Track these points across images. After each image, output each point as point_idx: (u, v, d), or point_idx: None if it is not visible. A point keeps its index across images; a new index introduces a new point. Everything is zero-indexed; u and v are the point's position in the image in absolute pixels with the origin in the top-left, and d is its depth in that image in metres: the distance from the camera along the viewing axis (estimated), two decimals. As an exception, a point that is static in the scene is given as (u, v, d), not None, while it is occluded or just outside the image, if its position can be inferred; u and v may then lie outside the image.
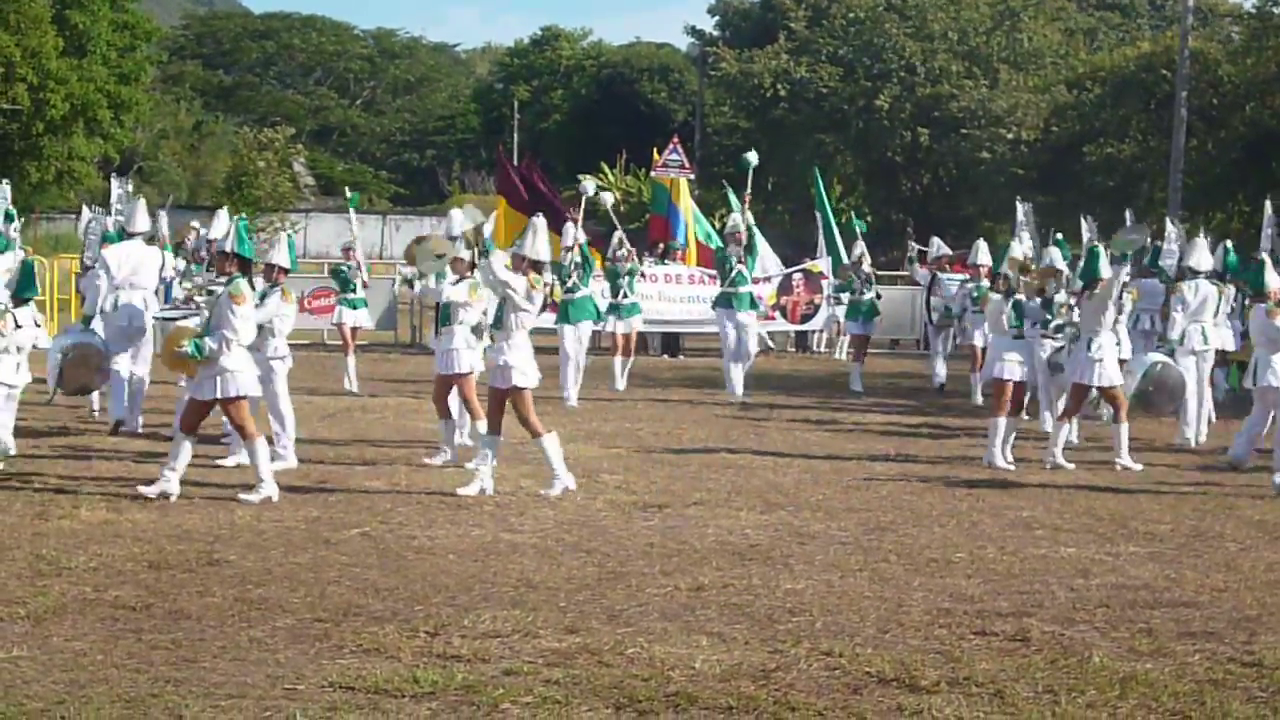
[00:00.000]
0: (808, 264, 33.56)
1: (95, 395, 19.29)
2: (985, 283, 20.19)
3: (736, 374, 23.80)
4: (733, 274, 23.77)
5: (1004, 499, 14.94)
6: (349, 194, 30.48)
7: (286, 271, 15.79)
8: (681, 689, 8.22)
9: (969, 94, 54.71)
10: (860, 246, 28.66)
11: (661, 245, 33.12)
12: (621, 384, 25.27)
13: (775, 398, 24.18)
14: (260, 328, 14.94)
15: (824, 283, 32.90)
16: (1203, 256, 19.99)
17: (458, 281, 15.83)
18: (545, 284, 15.49)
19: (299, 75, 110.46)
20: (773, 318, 32.71)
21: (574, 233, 24.30)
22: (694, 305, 31.80)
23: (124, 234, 19.42)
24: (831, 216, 35.43)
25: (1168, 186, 44.19)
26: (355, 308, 25.46)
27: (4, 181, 23.43)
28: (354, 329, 25.28)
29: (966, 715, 7.86)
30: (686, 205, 34.17)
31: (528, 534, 12.68)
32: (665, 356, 32.68)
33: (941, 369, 26.44)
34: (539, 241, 15.04)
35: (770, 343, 34.99)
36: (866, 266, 27.86)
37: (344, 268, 26.00)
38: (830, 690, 8.31)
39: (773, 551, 12.15)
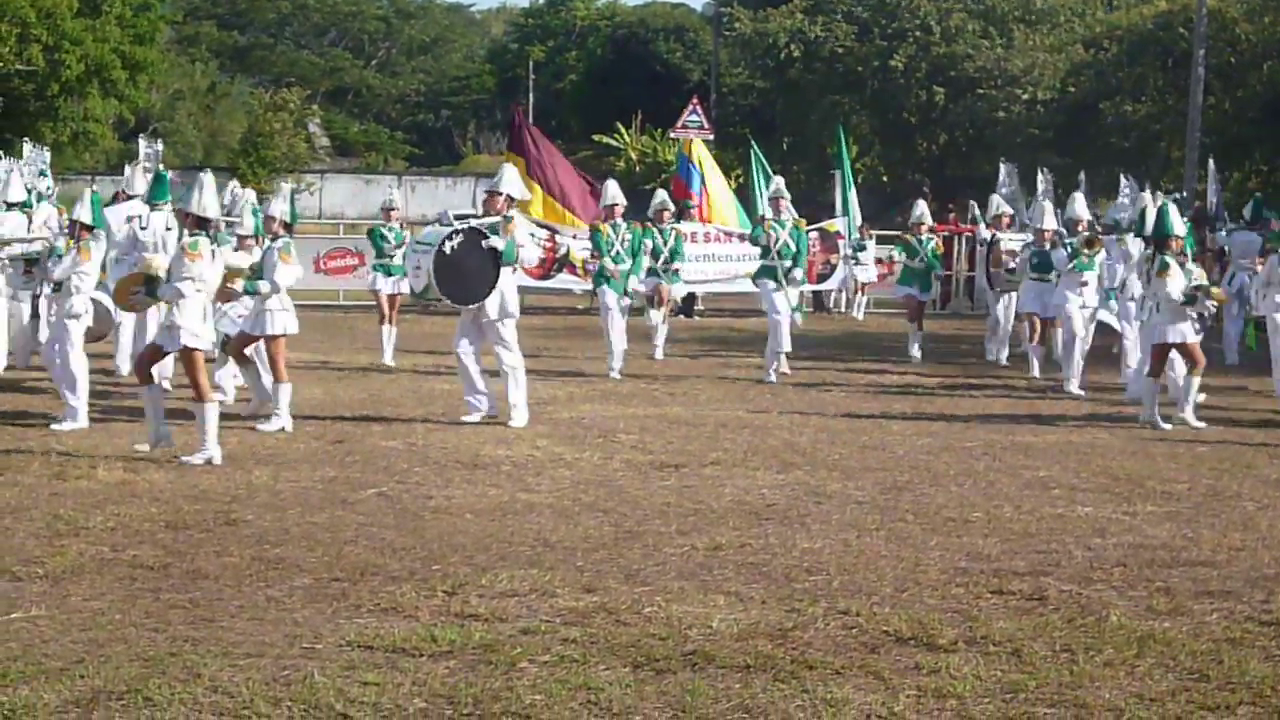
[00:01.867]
0: (824, 223, 33.47)
1: (123, 360, 19.38)
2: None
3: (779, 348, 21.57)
4: (779, 244, 21.50)
5: (1021, 459, 14.92)
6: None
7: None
8: (699, 648, 8.23)
9: (985, 53, 54.47)
10: (921, 207, 26.17)
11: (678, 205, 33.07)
12: (659, 353, 24.23)
13: (791, 357, 24.10)
14: (59, 285, 16.09)
15: (840, 242, 32.86)
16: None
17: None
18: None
19: (314, 36, 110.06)
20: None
21: (615, 192, 22.68)
22: (710, 264, 31.81)
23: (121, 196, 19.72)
24: (851, 176, 35.27)
25: (1185, 146, 44.01)
26: (391, 274, 23.10)
27: (42, 146, 23.95)
28: (392, 296, 23.05)
29: (984, 674, 7.86)
30: (702, 163, 34.04)
31: (544, 494, 12.68)
32: (681, 316, 32.63)
33: (1003, 347, 24.28)
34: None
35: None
36: (927, 232, 25.46)
37: (382, 229, 23.73)
38: (847, 649, 8.31)
39: (789, 511, 12.15)
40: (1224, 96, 47.06)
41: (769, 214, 22.60)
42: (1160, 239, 17.58)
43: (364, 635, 8.35)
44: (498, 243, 16.27)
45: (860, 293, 34.47)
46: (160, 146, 25.16)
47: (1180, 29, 47.62)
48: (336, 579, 9.66)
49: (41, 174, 24.85)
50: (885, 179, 56.55)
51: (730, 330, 29.78)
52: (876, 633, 8.64)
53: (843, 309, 35.22)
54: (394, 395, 18.75)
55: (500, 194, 16.77)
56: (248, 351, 16.51)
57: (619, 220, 22.16)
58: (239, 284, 15.33)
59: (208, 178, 14.66)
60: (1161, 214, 17.79)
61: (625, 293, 22.08)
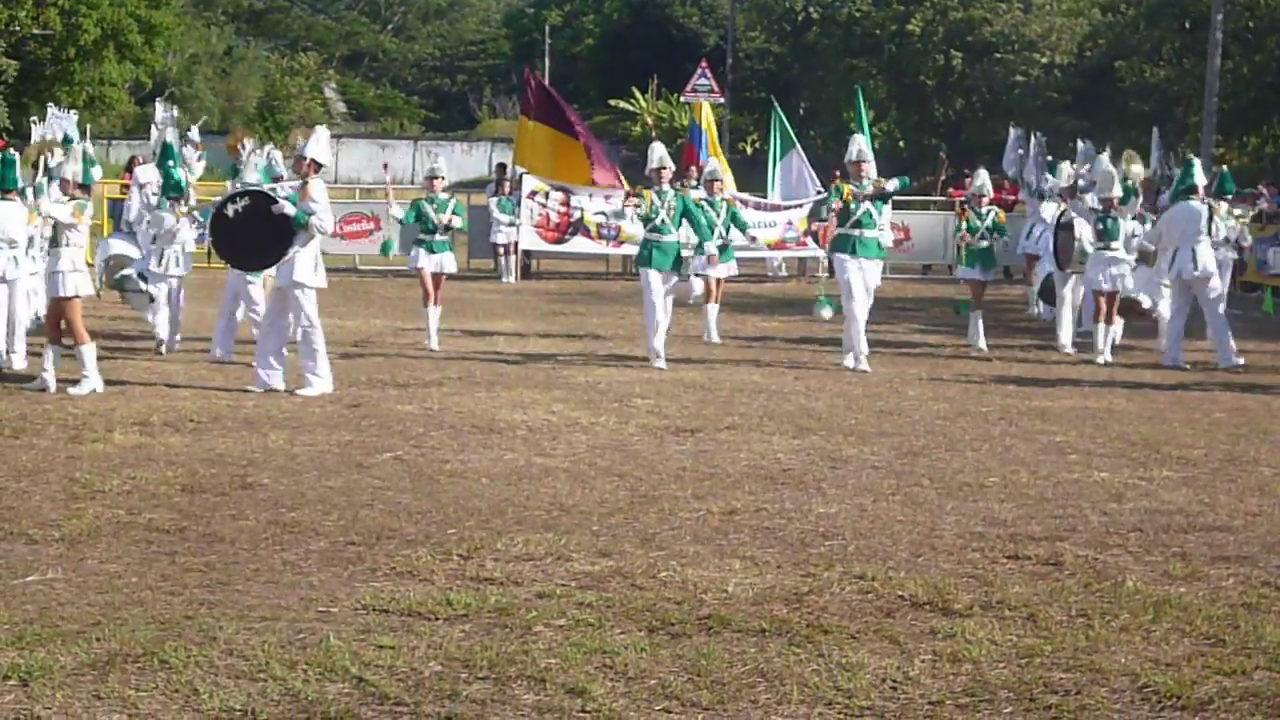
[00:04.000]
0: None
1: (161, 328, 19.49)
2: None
3: (857, 329, 19.06)
4: (858, 213, 19.09)
5: (1037, 424, 14.90)
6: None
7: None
8: (714, 612, 8.22)
9: (1002, 18, 54.38)
10: (982, 176, 23.41)
11: (695, 169, 33.04)
12: (715, 335, 21.96)
13: (809, 324, 24.12)
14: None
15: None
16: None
17: (67, 201, 16.35)
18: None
19: (329, 0, 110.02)
20: (804, 244, 32.65)
21: (661, 154, 19.88)
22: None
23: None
24: (870, 140, 35.16)
25: (1202, 110, 43.89)
26: (434, 251, 20.69)
27: (69, 110, 24.43)
28: (436, 276, 20.74)
29: (999, 639, 7.86)
30: (710, 127, 34.01)
31: (560, 458, 12.68)
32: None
33: (1068, 335, 21.66)
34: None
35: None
36: (988, 204, 22.64)
37: (423, 201, 20.81)
38: (863, 613, 8.31)
39: (805, 476, 12.14)
40: (1241, 60, 46.90)
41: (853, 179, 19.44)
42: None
43: (379, 599, 8.36)
44: (287, 208, 15.79)
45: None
46: (175, 111, 25.16)
47: (1198, -8, 47.49)
48: (352, 543, 9.67)
49: (66, 140, 24.99)
50: (902, 144, 56.48)
51: (743, 296, 29.72)
52: (892, 597, 8.63)
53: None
54: (410, 360, 18.75)
55: (305, 158, 16.23)
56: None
57: (665, 186, 19.37)
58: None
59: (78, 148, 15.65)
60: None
61: (675, 268, 19.19)
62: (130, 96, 64.04)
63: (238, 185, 17.43)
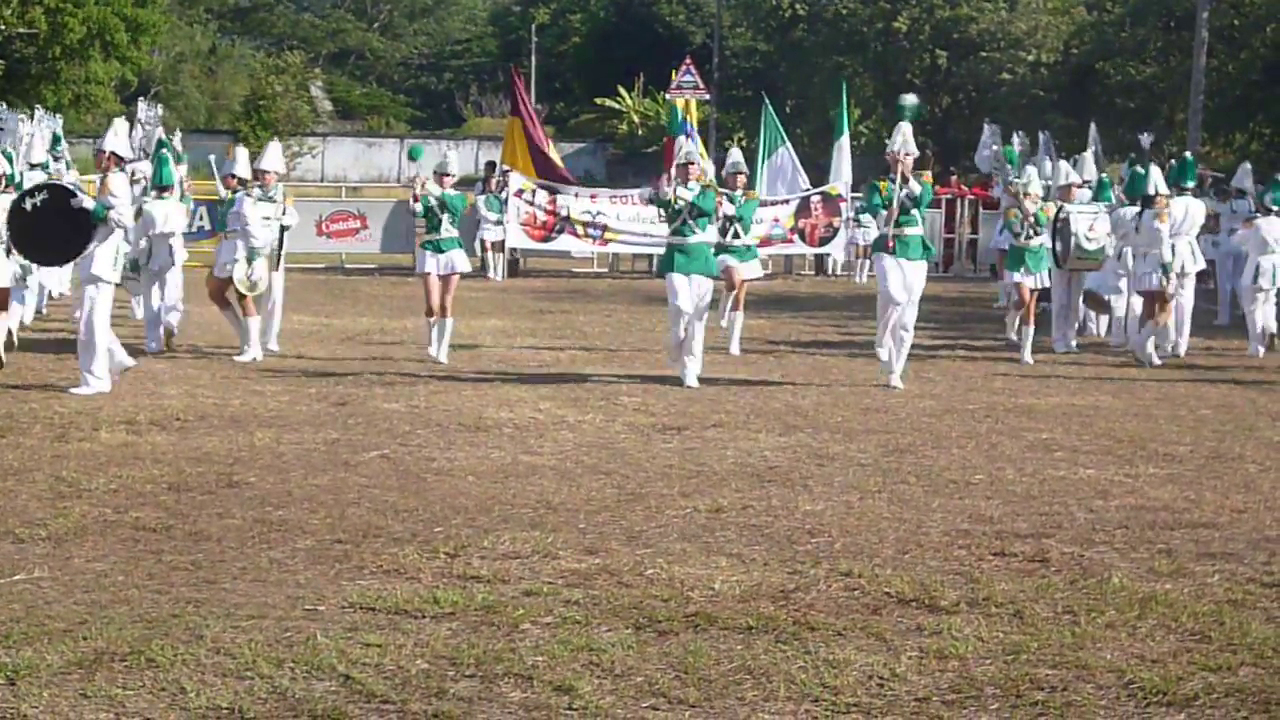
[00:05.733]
0: (826, 186, 33.46)
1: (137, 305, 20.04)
2: None
3: (883, 333, 17.23)
4: (897, 214, 16.98)
5: (1023, 421, 14.92)
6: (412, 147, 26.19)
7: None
8: (701, 609, 8.23)
9: (988, 16, 54.42)
10: (1031, 171, 22.06)
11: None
12: (737, 347, 20.03)
13: (794, 321, 24.13)
14: None
15: (842, 205, 32.82)
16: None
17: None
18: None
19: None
20: (791, 241, 32.70)
21: (689, 148, 18.25)
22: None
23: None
24: (845, 133, 35.13)
25: (1188, 108, 43.95)
26: (442, 250, 18.54)
27: (55, 114, 24.54)
28: (445, 279, 18.55)
29: (986, 635, 7.87)
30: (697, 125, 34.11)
31: (546, 456, 12.68)
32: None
33: (1072, 332, 20.99)
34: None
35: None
36: (1032, 204, 20.27)
37: (432, 199, 18.69)
38: (850, 610, 8.32)
39: (792, 473, 12.15)
40: (1227, 58, 46.97)
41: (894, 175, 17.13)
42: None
43: (366, 597, 8.36)
44: (87, 203, 15.54)
45: (862, 256, 34.43)
46: (159, 110, 25.33)
47: (1183, -10, 47.58)
48: (339, 541, 9.67)
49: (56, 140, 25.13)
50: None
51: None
52: (878, 594, 8.64)
53: (841, 271, 35.19)
54: (397, 358, 18.74)
55: (105, 151, 16.41)
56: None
57: (694, 184, 17.23)
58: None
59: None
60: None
61: (706, 270, 17.16)
62: (116, 95, 63.83)
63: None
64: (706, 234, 17.30)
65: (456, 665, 7.30)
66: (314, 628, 7.79)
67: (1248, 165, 27.09)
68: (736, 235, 19.77)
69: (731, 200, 19.48)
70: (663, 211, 17.57)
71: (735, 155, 20.94)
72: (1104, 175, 22.23)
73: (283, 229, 18.77)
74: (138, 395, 15.30)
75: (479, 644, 7.59)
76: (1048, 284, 20.37)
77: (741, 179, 20.22)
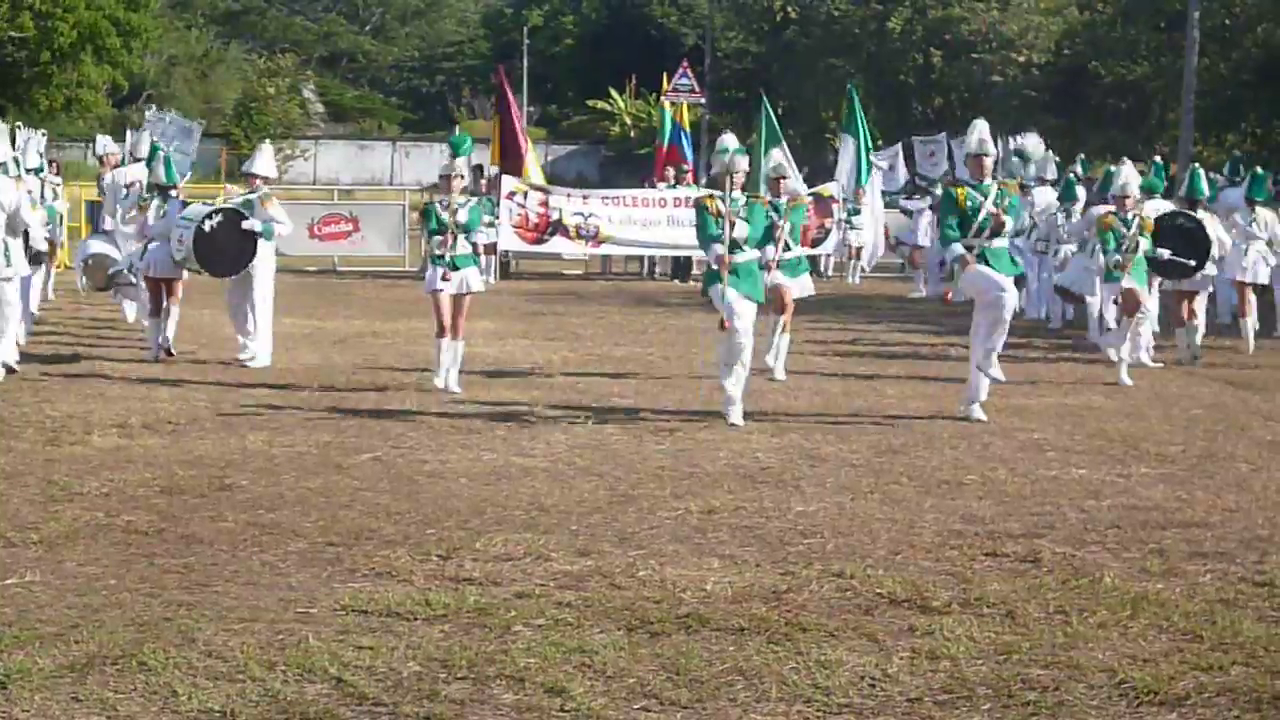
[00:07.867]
0: (819, 188, 33.49)
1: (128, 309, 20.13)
2: None
3: (990, 357, 15.04)
4: (978, 219, 14.75)
5: (1015, 421, 14.92)
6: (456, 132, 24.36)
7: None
8: (693, 611, 8.23)
9: (980, 17, 54.46)
10: (1125, 172, 19.25)
11: (673, 171, 33.11)
12: (780, 372, 17.84)
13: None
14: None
15: (834, 207, 32.83)
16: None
17: None
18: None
19: (307, 1, 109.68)
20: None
21: (778, 160, 17.52)
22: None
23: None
24: (869, 141, 35.27)
25: (1179, 108, 43.98)
26: (457, 267, 16.26)
27: (40, 133, 24.99)
28: (458, 299, 16.45)
29: (978, 636, 7.87)
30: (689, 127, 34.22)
31: (539, 458, 12.68)
32: (675, 281, 32.63)
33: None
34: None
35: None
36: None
37: (437, 206, 16.36)
38: (842, 611, 8.32)
39: (784, 474, 12.15)
40: (1218, 58, 47.00)
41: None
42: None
43: (359, 599, 8.35)
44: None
45: (855, 257, 34.51)
46: (172, 113, 25.49)
47: (1175, -10, 47.60)
48: (331, 543, 9.66)
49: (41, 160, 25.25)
50: (881, 143, 56.54)
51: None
52: (870, 595, 8.64)
53: (833, 272, 35.24)
54: (388, 360, 18.73)
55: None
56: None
57: (738, 194, 15.12)
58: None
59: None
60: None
61: (755, 293, 15.00)
62: (108, 99, 63.82)
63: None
64: (753, 253, 15.17)
65: (449, 667, 7.29)
66: (306, 630, 7.79)
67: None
68: (787, 247, 17.14)
69: (776, 210, 16.73)
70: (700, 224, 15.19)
71: (776, 156, 18.11)
72: (1072, 174, 22.48)
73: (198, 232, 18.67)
74: (129, 399, 15.29)
75: (471, 646, 7.58)
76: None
77: (783, 184, 17.37)
